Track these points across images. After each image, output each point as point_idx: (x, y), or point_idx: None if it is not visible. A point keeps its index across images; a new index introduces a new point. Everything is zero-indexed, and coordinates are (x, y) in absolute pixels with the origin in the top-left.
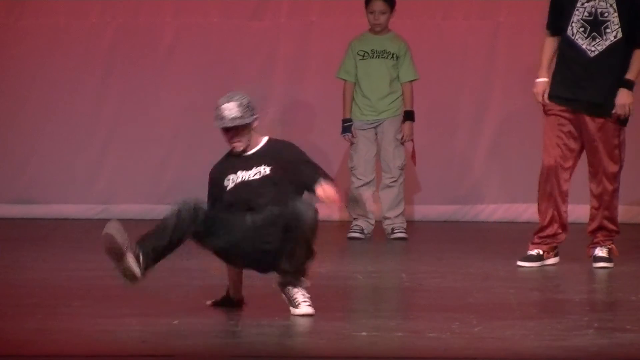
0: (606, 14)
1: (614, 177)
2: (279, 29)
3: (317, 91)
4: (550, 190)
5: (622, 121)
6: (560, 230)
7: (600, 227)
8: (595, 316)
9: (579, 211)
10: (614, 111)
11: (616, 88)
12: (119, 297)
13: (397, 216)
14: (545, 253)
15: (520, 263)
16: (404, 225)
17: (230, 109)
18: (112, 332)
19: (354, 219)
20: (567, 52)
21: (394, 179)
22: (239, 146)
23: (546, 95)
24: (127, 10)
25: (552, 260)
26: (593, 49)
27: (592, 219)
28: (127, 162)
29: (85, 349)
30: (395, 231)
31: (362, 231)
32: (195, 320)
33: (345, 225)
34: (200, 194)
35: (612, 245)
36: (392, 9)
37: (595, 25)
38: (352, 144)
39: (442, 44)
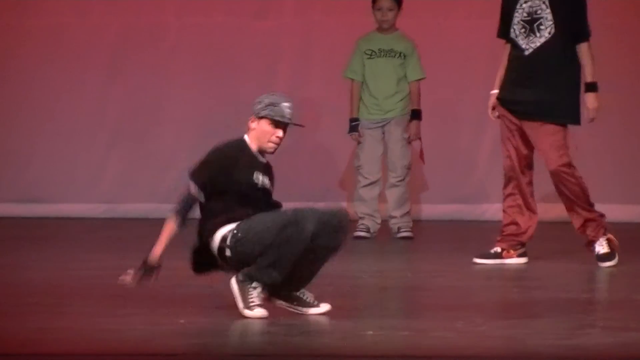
0: (539, 12)
1: (563, 172)
2: (282, 28)
3: (322, 90)
4: (510, 192)
5: (558, 117)
6: (522, 229)
7: (585, 221)
8: (599, 315)
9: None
10: (589, 116)
11: (554, 86)
12: (123, 296)
13: (403, 215)
14: (505, 252)
15: (476, 260)
16: (410, 224)
17: (291, 109)
18: (116, 331)
19: (360, 217)
20: (512, 54)
21: (400, 178)
22: (276, 148)
23: (496, 112)
24: (131, 9)
25: (513, 260)
26: (528, 47)
27: (572, 218)
28: (131, 161)
29: (89, 348)
30: (401, 230)
31: (368, 230)
32: (200, 319)
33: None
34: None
35: (609, 235)
36: (399, 6)
37: (531, 23)
38: (358, 143)
39: (444, 43)
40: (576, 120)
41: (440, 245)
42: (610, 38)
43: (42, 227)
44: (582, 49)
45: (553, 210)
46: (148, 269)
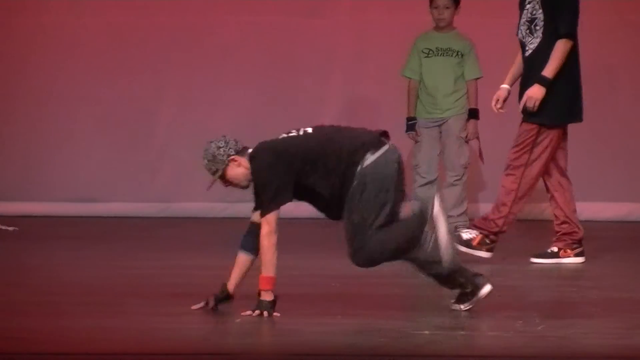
0: (535, 12)
1: (536, 177)
2: (338, 27)
3: (377, 88)
4: (551, 194)
5: (529, 116)
6: (575, 227)
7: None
8: None
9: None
10: (522, 103)
11: (548, 88)
12: (181, 295)
13: (460, 215)
14: (562, 251)
15: (534, 260)
16: (467, 223)
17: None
18: (174, 330)
19: None
20: (522, 56)
21: (458, 178)
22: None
23: (499, 103)
24: (187, 8)
25: (571, 259)
26: (528, 48)
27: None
28: (187, 160)
29: (146, 347)
30: (458, 229)
31: None
32: (257, 318)
33: None
34: None
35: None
36: (456, 4)
37: (530, 24)
38: (416, 142)
39: (503, 42)
40: (570, 120)
41: (497, 245)
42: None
43: (98, 226)
44: (557, 44)
45: (610, 209)
46: (224, 299)
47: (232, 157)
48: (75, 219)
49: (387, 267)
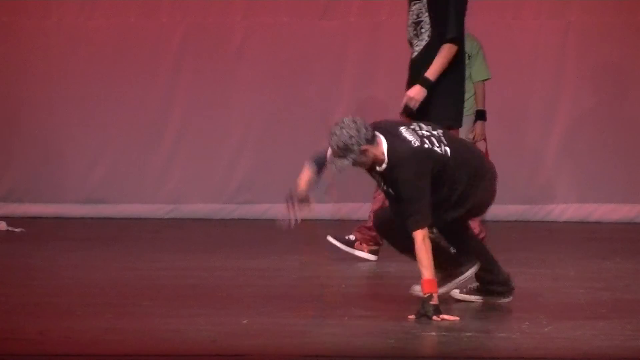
0: (420, 14)
1: None
2: (348, 29)
3: (387, 90)
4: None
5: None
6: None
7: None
8: None
9: (633, 210)
10: (404, 102)
11: (431, 89)
12: (189, 296)
13: None
14: (358, 242)
15: (329, 238)
16: (474, 224)
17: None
18: (182, 331)
19: None
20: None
21: None
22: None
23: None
24: (197, 10)
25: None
26: (414, 49)
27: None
28: (196, 162)
29: (155, 349)
30: None
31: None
32: (265, 319)
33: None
34: (267, 193)
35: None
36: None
37: (416, 26)
38: None
39: (512, 43)
40: (451, 123)
41: (504, 246)
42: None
43: (108, 227)
44: (442, 48)
45: (620, 211)
46: (302, 200)
47: (364, 147)
48: (84, 221)
49: (393, 268)
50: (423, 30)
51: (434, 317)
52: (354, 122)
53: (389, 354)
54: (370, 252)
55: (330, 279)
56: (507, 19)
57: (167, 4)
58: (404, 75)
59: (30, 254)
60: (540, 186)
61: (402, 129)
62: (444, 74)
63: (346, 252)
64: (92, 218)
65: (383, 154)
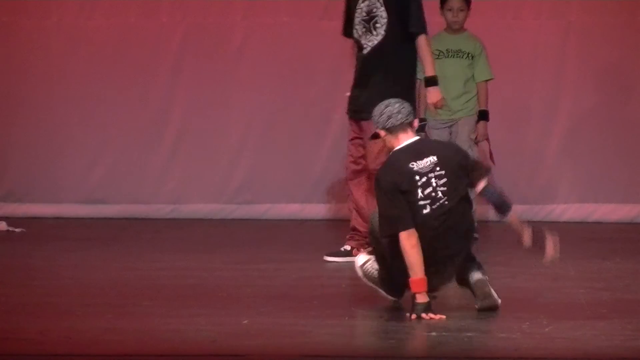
0: (375, 10)
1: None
2: None
3: None
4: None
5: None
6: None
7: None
8: None
9: (634, 210)
10: (431, 110)
11: (387, 86)
12: (189, 296)
13: None
14: (354, 250)
15: (327, 257)
16: (475, 225)
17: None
18: (182, 331)
19: None
20: (357, 54)
21: None
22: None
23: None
24: (197, 10)
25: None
26: (366, 45)
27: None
28: (196, 162)
29: (155, 349)
30: None
31: None
32: (265, 319)
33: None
34: (267, 193)
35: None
36: (469, 6)
37: (369, 22)
38: None
39: (512, 43)
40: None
41: (505, 246)
42: None
43: (108, 228)
44: (419, 42)
45: (620, 210)
46: None
47: (379, 130)
48: (84, 221)
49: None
50: (378, 26)
51: (423, 315)
52: (399, 111)
53: (389, 354)
54: (369, 254)
55: (330, 279)
56: (507, 19)
57: (167, 4)
58: None
59: (30, 254)
60: (540, 186)
61: (421, 170)
62: (401, 73)
63: (349, 263)
64: (92, 218)
65: (392, 149)
